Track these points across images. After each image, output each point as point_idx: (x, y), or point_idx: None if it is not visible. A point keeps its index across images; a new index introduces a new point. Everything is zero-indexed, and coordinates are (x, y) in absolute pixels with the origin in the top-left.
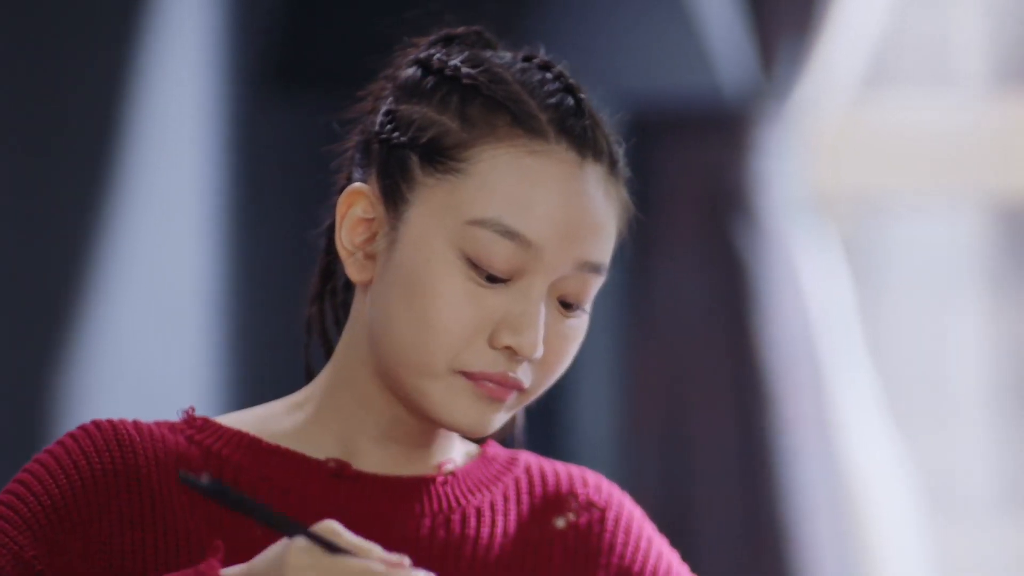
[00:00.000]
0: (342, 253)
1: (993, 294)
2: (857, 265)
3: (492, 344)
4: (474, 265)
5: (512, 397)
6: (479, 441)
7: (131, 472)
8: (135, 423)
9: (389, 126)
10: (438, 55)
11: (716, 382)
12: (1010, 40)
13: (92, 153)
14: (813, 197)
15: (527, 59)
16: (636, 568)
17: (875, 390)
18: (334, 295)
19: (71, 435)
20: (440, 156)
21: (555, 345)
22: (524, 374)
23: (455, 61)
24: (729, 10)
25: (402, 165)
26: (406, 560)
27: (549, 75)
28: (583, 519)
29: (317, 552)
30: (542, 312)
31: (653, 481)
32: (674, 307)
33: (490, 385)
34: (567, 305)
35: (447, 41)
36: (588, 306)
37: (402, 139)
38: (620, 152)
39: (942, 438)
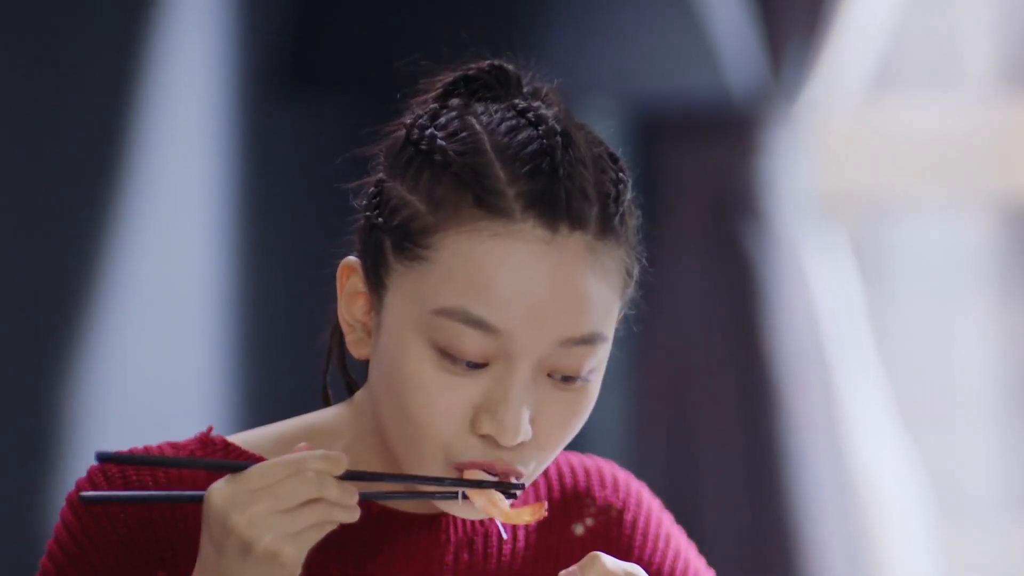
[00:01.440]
0: (343, 326)
1: (1000, 295)
2: (865, 266)
3: (474, 431)
4: (446, 354)
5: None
6: None
7: (146, 526)
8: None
9: (374, 201)
10: (421, 120)
11: (723, 384)
12: (1018, 42)
13: (102, 155)
14: (821, 199)
15: (521, 112)
16: (654, 568)
17: (882, 391)
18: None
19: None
20: (408, 242)
21: (551, 420)
22: (517, 458)
23: (432, 129)
24: (737, 12)
25: (378, 248)
26: (304, 445)
27: (536, 132)
28: (601, 523)
29: (228, 477)
30: (521, 397)
31: (660, 483)
32: (682, 308)
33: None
34: (562, 378)
35: (458, 85)
36: (594, 374)
37: (379, 219)
38: (619, 207)
39: (950, 439)
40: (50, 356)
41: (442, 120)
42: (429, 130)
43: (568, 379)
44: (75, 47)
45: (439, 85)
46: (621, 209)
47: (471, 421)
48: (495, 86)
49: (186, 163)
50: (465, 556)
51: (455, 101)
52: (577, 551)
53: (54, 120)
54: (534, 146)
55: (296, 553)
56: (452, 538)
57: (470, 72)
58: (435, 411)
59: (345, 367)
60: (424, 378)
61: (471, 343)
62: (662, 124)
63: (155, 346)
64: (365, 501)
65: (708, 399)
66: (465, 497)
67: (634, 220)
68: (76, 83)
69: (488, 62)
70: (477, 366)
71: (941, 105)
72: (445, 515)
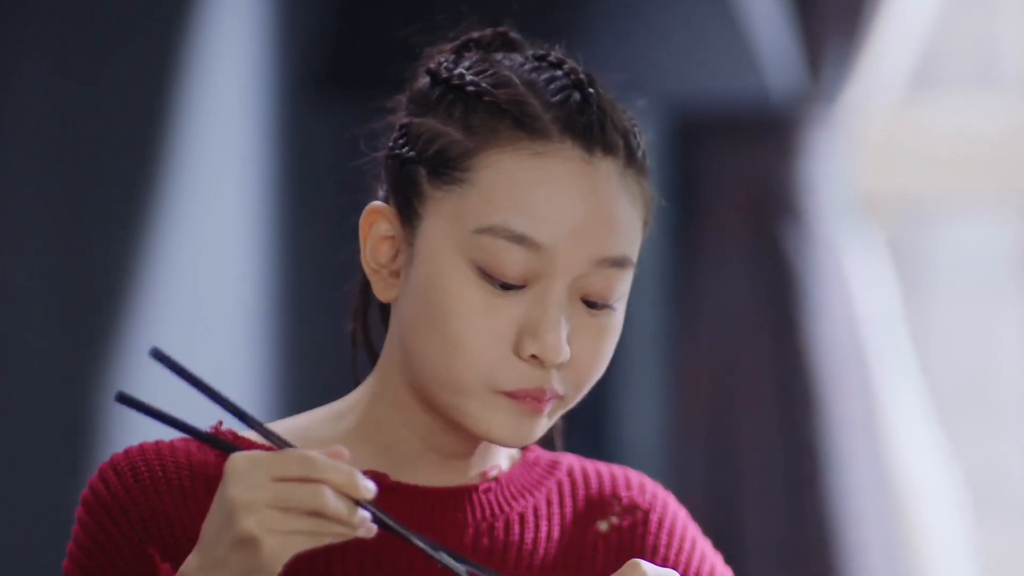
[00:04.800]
0: (368, 272)
1: None
2: (903, 267)
3: (518, 354)
4: (487, 275)
5: (550, 405)
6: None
7: (159, 514)
8: (157, 449)
9: (401, 140)
10: (446, 63)
11: (763, 386)
12: None
13: (141, 156)
14: (860, 200)
15: (539, 58)
16: (680, 570)
17: (921, 392)
18: (378, 308)
19: (92, 490)
20: (445, 168)
21: (585, 345)
22: (558, 382)
23: (460, 69)
24: (776, 13)
25: (412, 180)
26: (345, 453)
27: (559, 72)
28: (626, 522)
29: (255, 453)
30: (560, 315)
31: (700, 485)
32: (721, 310)
33: (528, 399)
34: (592, 304)
35: (468, 46)
36: (619, 302)
37: (411, 153)
38: (640, 143)
39: (988, 440)
40: (89, 354)
41: (466, 63)
42: (457, 70)
43: (594, 306)
44: (115, 49)
45: (447, 48)
46: (642, 146)
47: (513, 345)
48: (501, 47)
49: (226, 163)
50: (485, 541)
51: (471, 53)
52: (601, 549)
53: (95, 121)
54: (561, 81)
55: (278, 550)
56: (471, 520)
57: (476, 36)
58: (478, 333)
59: (374, 352)
60: (467, 300)
61: (513, 260)
62: (701, 126)
63: (193, 346)
64: (377, 475)
65: (747, 400)
66: None
67: (649, 164)
68: (116, 85)
69: (492, 29)
70: (513, 288)
71: (980, 106)
72: (467, 495)
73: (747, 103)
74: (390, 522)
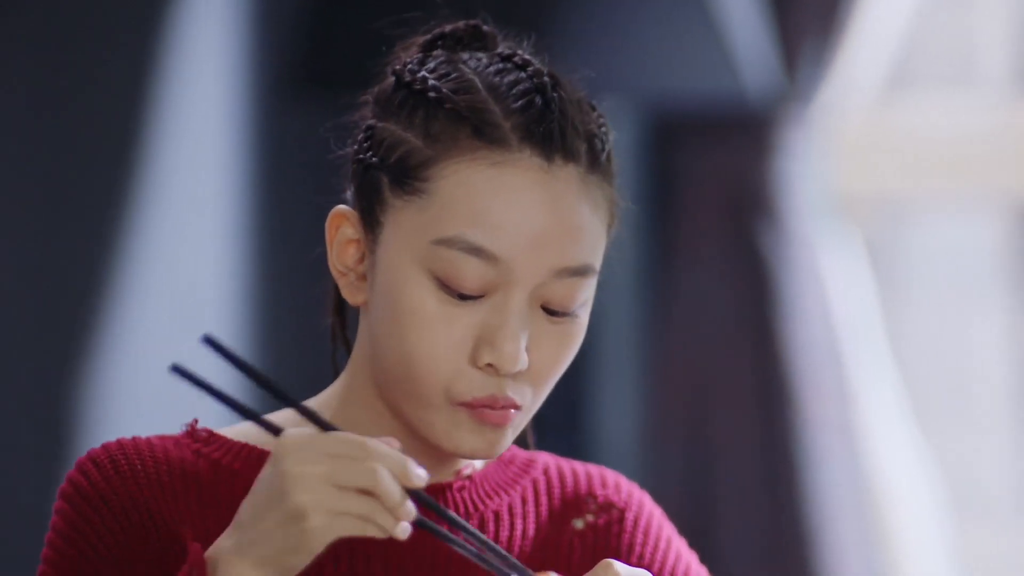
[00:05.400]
0: (335, 275)
1: (1016, 296)
2: (880, 266)
3: (474, 363)
4: (444, 285)
5: (513, 416)
6: None
7: (140, 506)
8: (135, 444)
9: (365, 144)
10: (411, 64)
11: (739, 385)
12: None
13: (115, 156)
14: (836, 199)
15: (505, 58)
16: (655, 569)
17: (897, 390)
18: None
19: (72, 483)
20: (406, 177)
21: (545, 353)
22: (515, 391)
23: (423, 72)
24: (752, 13)
25: (375, 187)
26: (396, 443)
27: (523, 75)
28: (602, 520)
29: (309, 430)
30: (518, 324)
31: (676, 485)
32: (697, 310)
33: (488, 412)
34: (553, 312)
35: (437, 42)
36: (582, 308)
37: (374, 159)
38: (605, 146)
39: (965, 440)
40: (66, 353)
41: (431, 65)
42: (420, 73)
43: (555, 314)
44: (91, 48)
45: (419, 42)
46: (607, 148)
47: (470, 355)
48: (472, 42)
49: (201, 162)
50: (460, 537)
51: (438, 52)
52: (577, 547)
53: (67, 120)
54: (524, 85)
55: (323, 529)
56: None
57: (447, 30)
58: (436, 344)
59: (351, 348)
60: (425, 311)
61: (470, 272)
62: (677, 125)
63: (170, 344)
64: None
65: (724, 400)
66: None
67: (615, 165)
68: (92, 84)
69: (464, 22)
70: (471, 298)
71: (956, 106)
72: (441, 493)
73: (724, 102)
74: (441, 511)
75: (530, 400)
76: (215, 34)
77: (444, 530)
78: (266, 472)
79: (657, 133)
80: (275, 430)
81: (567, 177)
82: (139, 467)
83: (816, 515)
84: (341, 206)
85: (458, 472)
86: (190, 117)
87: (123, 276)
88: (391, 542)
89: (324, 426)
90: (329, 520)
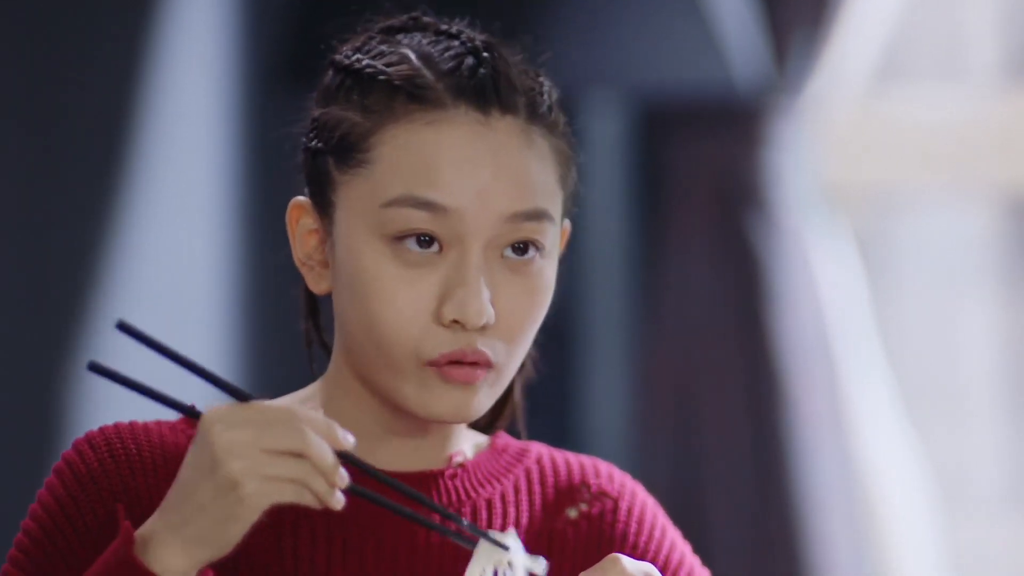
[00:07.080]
0: (299, 266)
1: (1006, 288)
2: (870, 258)
3: (440, 322)
4: (401, 247)
5: (485, 375)
6: (488, 432)
7: (130, 491)
8: (132, 429)
9: (312, 134)
10: (346, 51)
11: (729, 377)
12: (1022, 34)
13: (105, 151)
14: (826, 191)
15: (439, 32)
16: (648, 557)
17: (888, 383)
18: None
19: (66, 460)
20: (348, 152)
21: (510, 304)
22: (486, 345)
23: (358, 54)
24: (741, 4)
25: (323, 170)
26: (349, 437)
27: (456, 42)
28: (595, 509)
29: (233, 403)
30: (478, 277)
31: (665, 475)
32: (687, 301)
33: (455, 369)
34: (518, 250)
35: (376, 35)
36: (546, 258)
37: (319, 145)
38: (547, 100)
39: (955, 433)
40: (56, 349)
41: (366, 48)
42: (355, 56)
43: (519, 251)
44: (80, 44)
45: (361, 36)
46: (549, 102)
47: (435, 314)
48: (413, 31)
49: (190, 158)
50: (451, 527)
51: (376, 37)
52: (570, 536)
53: (57, 115)
54: (455, 50)
55: (258, 495)
56: (436, 504)
57: (387, 23)
58: (400, 307)
59: (328, 348)
60: (385, 276)
61: (423, 227)
62: (667, 116)
63: (160, 336)
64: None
65: (712, 392)
66: (473, 542)
67: (564, 122)
68: (81, 80)
69: (407, 15)
70: (430, 247)
71: (945, 97)
72: (433, 481)
73: (713, 93)
74: (370, 470)
75: (504, 356)
76: (205, 30)
77: (379, 495)
78: (193, 449)
79: (646, 124)
80: (191, 411)
81: (507, 128)
82: (134, 451)
83: (805, 506)
84: (298, 197)
85: (448, 459)
86: (179, 113)
87: (113, 271)
88: (374, 529)
89: (243, 397)
90: (262, 485)
